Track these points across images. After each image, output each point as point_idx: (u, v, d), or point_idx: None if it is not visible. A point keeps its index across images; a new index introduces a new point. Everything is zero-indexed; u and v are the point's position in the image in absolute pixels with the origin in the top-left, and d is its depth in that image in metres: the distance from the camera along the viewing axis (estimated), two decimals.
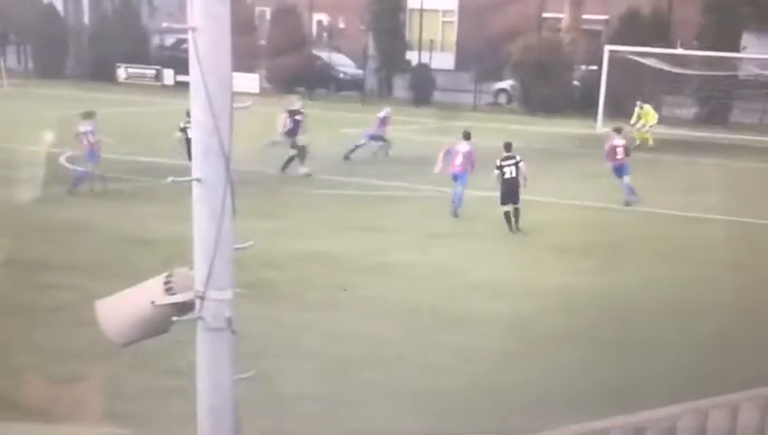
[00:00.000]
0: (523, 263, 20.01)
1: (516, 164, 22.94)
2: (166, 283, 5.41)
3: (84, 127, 25.78)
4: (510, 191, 22.74)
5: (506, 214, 22.74)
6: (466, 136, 25.28)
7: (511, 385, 13.13)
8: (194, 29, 5.02)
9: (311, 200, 25.58)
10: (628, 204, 25.84)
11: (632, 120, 37.86)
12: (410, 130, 38.34)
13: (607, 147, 26.88)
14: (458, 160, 24.44)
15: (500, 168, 22.93)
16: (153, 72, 55.57)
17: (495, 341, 15.11)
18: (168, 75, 54.12)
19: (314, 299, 17.04)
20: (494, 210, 23.90)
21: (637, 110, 38.10)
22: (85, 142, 25.57)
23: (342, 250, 20.48)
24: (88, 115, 26.45)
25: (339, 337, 15.02)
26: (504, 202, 22.84)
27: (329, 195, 26.34)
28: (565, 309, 16.89)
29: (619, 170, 26.26)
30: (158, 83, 54.54)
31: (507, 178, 22.81)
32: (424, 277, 18.70)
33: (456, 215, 24.16)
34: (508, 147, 23.52)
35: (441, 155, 25.17)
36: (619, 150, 26.31)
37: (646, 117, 38.49)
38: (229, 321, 5.30)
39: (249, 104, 5.51)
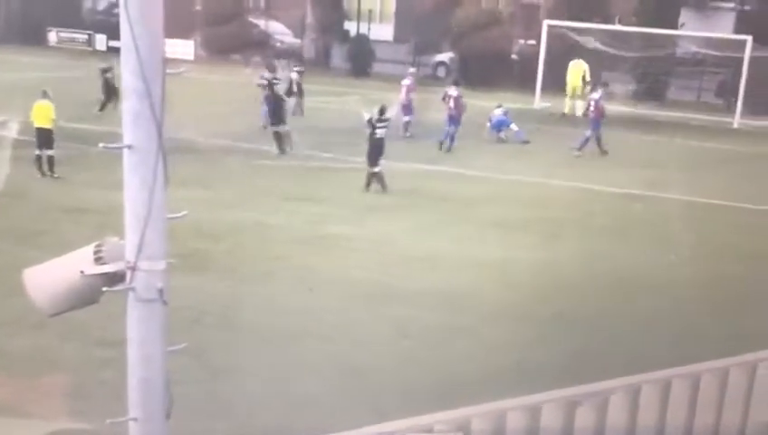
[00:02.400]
0: (462, 236, 20.02)
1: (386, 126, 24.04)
2: (96, 252, 5.28)
3: None
4: (379, 152, 23.64)
5: (375, 174, 23.60)
6: (456, 82, 31.27)
7: (448, 361, 13.13)
8: None
9: (249, 170, 25.36)
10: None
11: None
12: (350, 100, 38.25)
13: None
14: (452, 104, 29.86)
15: (373, 127, 23.71)
16: (85, 36, 54.76)
17: (433, 314, 15.08)
18: (101, 40, 53.35)
19: (250, 271, 16.92)
20: (432, 183, 23.96)
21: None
22: None
23: (280, 222, 20.36)
24: None
25: (274, 310, 14.92)
26: (372, 163, 23.64)
27: (268, 165, 26.11)
28: (504, 283, 16.94)
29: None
30: (90, 48, 53.76)
31: (378, 139, 23.59)
32: (362, 250, 18.66)
33: (448, 150, 29.21)
34: (383, 111, 24.29)
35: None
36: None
37: (572, 74, 39.04)
38: (161, 292, 5.19)
39: (183, 70, 5.39)
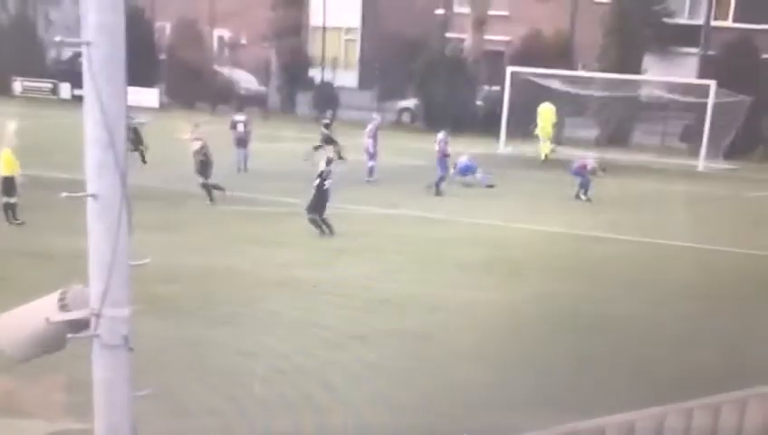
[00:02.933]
0: (427, 279, 20.10)
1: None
2: (60, 299, 5.34)
3: None
4: (326, 201, 24.03)
5: (314, 220, 23.85)
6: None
7: (408, 405, 13.17)
8: (88, 43, 4.97)
9: (213, 215, 25.42)
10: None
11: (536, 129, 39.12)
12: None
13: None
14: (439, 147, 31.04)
15: (323, 178, 23.97)
16: (50, 85, 54.73)
17: (395, 359, 15.14)
18: (65, 89, 53.36)
19: (216, 315, 16.92)
20: (399, 227, 24.09)
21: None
22: None
23: (245, 265, 20.38)
24: None
25: (240, 353, 14.92)
26: (320, 211, 23.93)
27: (232, 210, 26.15)
28: (467, 325, 17.02)
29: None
30: (55, 97, 53.74)
31: (326, 190, 23.94)
32: (326, 293, 18.66)
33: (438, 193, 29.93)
34: (329, 162, 24.74)
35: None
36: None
37: (543, 118, 39.42)
38: (125, 338, 5.25)
39: (146, 121, 5.48)
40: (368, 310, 17.67)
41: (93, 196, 5.12)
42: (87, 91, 5.04)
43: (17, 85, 54.94)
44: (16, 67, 54.29)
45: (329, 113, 38.68)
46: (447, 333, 16.63)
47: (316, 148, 32.98)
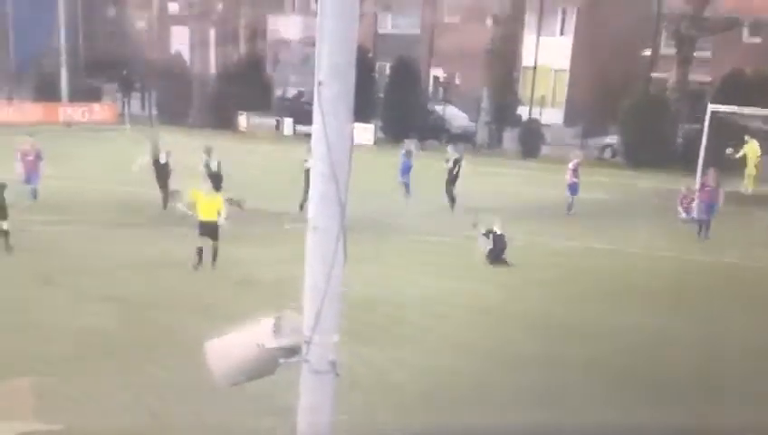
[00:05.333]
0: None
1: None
2: (274, 326, 5.44)
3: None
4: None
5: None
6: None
7: None
8: (320, 83, 5.08)
9: (423, 246, 25.50)
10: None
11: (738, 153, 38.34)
12: (518, 180, 38.50)
13: None
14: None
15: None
16: (274, 121, 55.90)
17: None
18: (288, 125, 54.47)
19: (415, 339, 16.99)
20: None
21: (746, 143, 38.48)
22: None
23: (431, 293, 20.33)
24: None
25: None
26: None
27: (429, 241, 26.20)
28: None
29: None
30: (277, 132, 54.83)
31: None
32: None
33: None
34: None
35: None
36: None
37: (750, 150, 38.42)
38: (333, 364, 5.31)
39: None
40: None
41: (314, 227, 5.21)
42: (315, 127, 5.15)
43: (242, 120, 56.27)
44: (242, 103, 55.65)
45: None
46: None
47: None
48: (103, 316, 17.43)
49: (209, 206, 21.40)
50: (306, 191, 28.03)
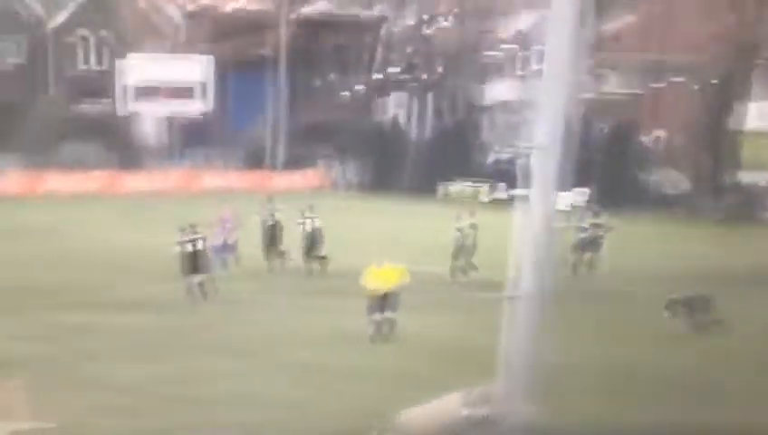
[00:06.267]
0: None
1: None
2: (467, 397, 5.47)
3: None
4: None
5: None
6: None
7: None
8: (535, 148, 5.12)
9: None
10: None
11: None
12: None
13: None
14: None
15: None
16: (481, 187, 55.43)
17: None
18: (495, 190, 54.11)
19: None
20: None
21: None
22: None
23: None
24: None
25: None
26: None
27: None
28: None
29: None
30: (476, 199, 54.49)
31: None
32: None
33: None
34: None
35: None
36: None
37: None
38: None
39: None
40: None
41: (517, 295, 5.22)
42: (527, 192, 5.17)
43: (451, 187, 56.16)
44: (454, 168, 55.65)
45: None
46: None
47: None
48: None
49: (385, 276, 21.20)
50: (455, 257, 28.82)
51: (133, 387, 17.35)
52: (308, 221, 29.83)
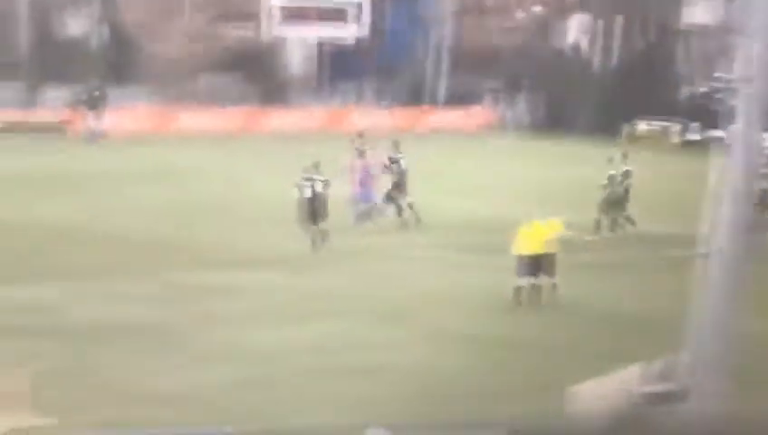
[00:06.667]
0: None
1: None
2: (648, 371, 5.38)
3: None
4: None
5: None
6: None
7: None
8: (742, 80, 4.94)
9: None
10: None
11: None
12: None
13: None
14: None
15: None
16: (670, 125, 54.25)
17: None
18: (679, 131, 52.95)
19: None
20: None
21: None
22: None
23: None
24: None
25: None
26: None
27: None
28: None
29: None
30: (669, 139, 53.38)
31: None
32: None
33: None
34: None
35: None
36: None
37: None
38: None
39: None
40: None
41: (717, 252, 5.04)
42: (727, 133, 4.99)
43: (639, 126, 55.07)
44: (642, 106, 54.49)
45: None
46: None
47: None
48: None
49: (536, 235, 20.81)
50: (603, 210, 28.16)
51: (265, 357, 17.57)
52: (394, 166, 29.25)
